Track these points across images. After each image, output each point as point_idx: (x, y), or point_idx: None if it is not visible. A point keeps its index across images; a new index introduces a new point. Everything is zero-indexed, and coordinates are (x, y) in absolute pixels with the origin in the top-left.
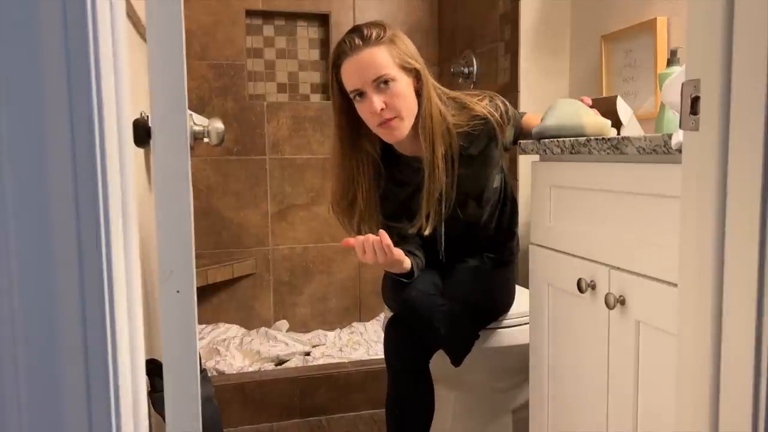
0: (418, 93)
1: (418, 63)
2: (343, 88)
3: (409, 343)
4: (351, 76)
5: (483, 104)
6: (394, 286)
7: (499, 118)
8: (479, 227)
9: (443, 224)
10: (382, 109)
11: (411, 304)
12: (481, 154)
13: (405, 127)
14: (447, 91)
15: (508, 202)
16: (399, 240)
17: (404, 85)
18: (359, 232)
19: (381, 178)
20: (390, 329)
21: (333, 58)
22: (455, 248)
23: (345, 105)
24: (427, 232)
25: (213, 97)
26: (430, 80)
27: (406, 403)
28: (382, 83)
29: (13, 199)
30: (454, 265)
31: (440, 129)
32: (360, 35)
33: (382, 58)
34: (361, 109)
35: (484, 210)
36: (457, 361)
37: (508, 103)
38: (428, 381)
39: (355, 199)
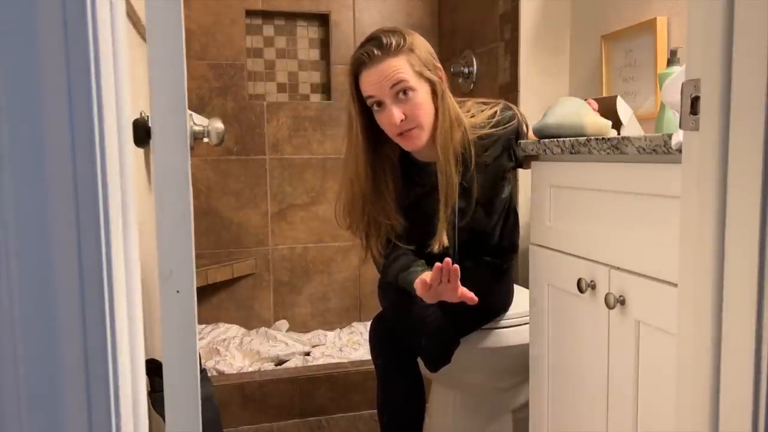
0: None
1: (437, 73)
2: (362, 97)
3: (391, 341)
4: (370, 86)
5: (491, 112)
6: (389, 290)
7: (509, 128)
8: (484, 235)
9: (456, 231)
10: (402, 120)
11: (403, 311)
12: (494, 162)
13: (424, 135)
14: (458, 109)
15: (511, 214)
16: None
17: (423, 94)
18: (367, 233)
19: (399, 180)
20: (373, 327)
21: (352, 67)
22: (459, 253)
23: (366, 112)
24: (446, 244)
25: (213, 97)
26: (447, 89)
27: (393, 399)
28: (402, 94)
29: (13, 199)
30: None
31: (456, 138)
32: (379, 45)
33: (401, 69)
34: (380, 118)
35: (492, 218)
36: (433, 369)
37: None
38: (415, 377)
39: (378, 204)
